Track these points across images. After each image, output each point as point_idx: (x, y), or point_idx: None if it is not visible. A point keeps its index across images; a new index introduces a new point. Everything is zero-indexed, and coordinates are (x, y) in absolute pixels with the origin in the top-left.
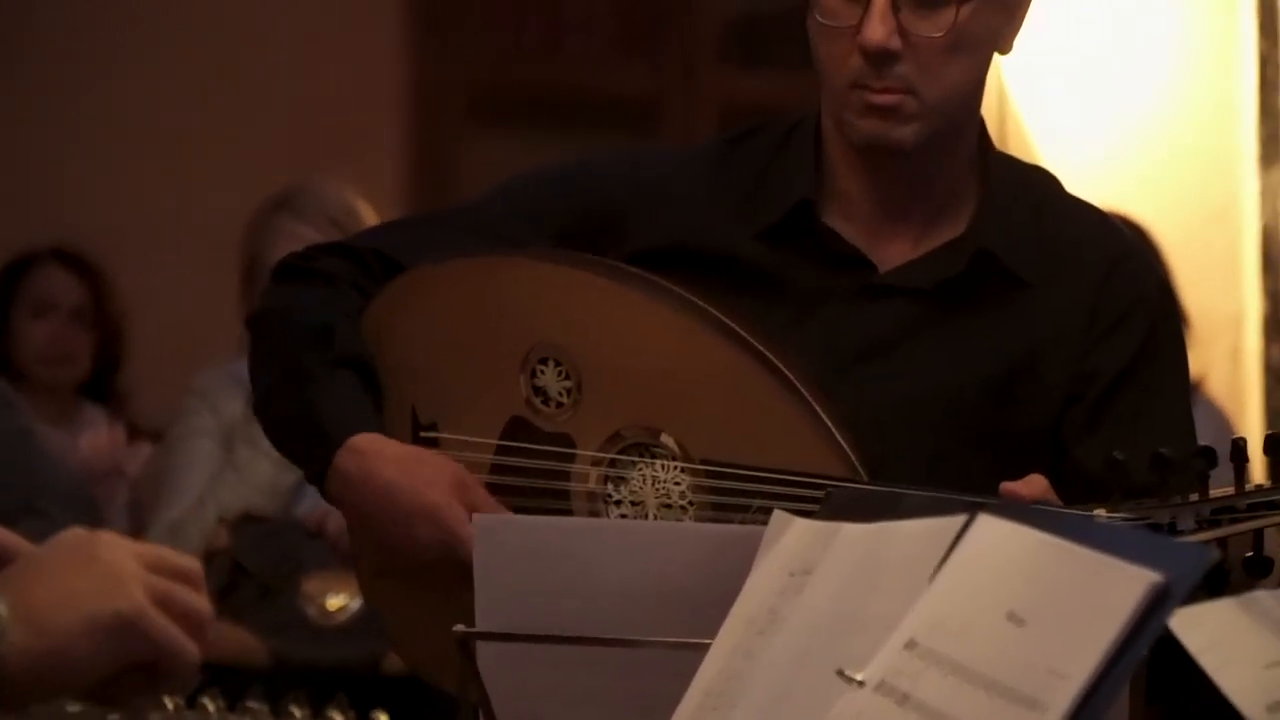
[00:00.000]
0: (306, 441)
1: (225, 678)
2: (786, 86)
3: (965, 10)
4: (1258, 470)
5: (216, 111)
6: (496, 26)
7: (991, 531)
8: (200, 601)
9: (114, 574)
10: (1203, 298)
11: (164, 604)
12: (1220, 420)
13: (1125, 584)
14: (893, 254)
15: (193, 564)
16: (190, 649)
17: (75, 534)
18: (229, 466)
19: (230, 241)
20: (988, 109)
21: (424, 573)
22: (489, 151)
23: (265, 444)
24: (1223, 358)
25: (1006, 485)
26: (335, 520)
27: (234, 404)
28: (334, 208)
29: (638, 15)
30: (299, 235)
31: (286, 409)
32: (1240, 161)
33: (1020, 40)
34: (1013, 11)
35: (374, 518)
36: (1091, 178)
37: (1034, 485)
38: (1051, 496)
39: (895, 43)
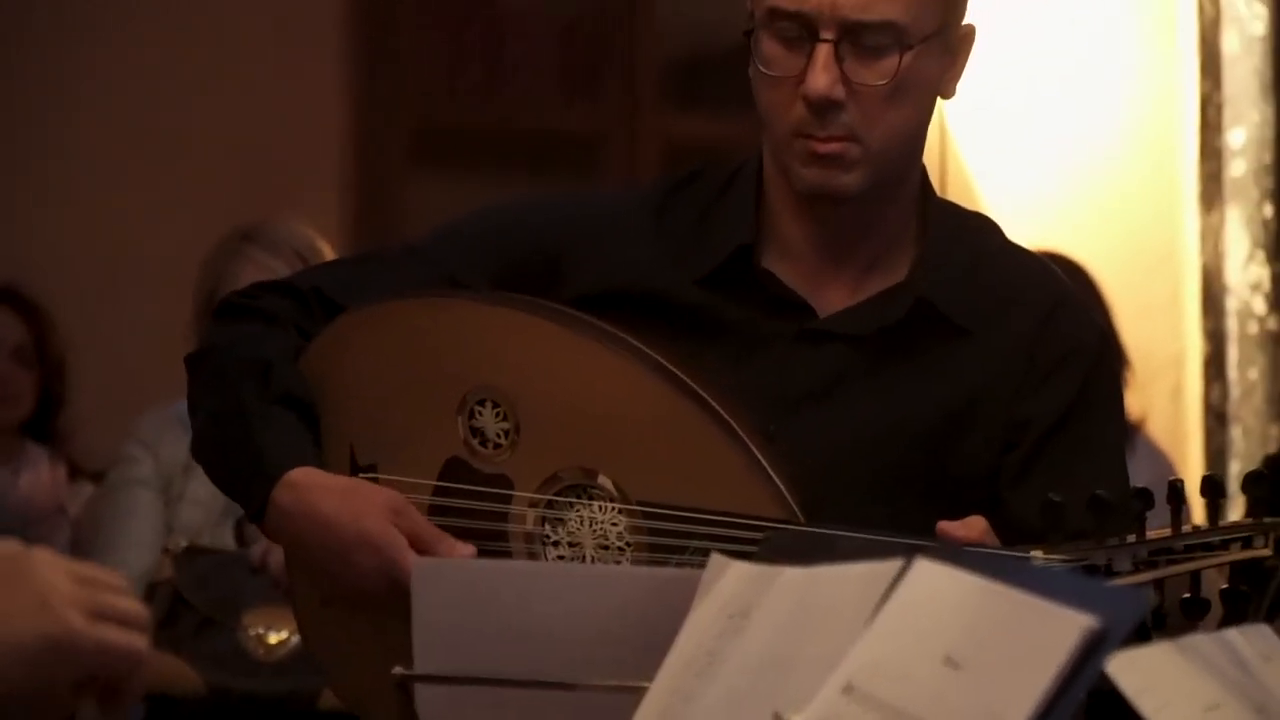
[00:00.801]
0: (244, 478)
1: (163, 709)
2: (728, 127)
3: (908, 58)
4: (1197, 512)
5: (160, 151)
6: (438, 67)
7: (929, 575)
8: (135, 606)
9: (43, 595)
10: (1144, 338)
11: (100, 615)
12: (1161, 461)
13: (1062, 628)
14: (832, 299)
15: (116, 575)
16: (135, 646)
17: (6, 551)
18: (180, 499)
19: (173, 280)
20: (929, 152)
21: (363, 609)
22: (432, 192)
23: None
24: (1164, 398)
25: (943, 525)
26: (278, 555)
27: (177, 447)
28: (298, 242)
29: (579, 56)
30: (268, 266)
31: (224, 445)
32: (1181, 202)
33: (961, 83)
34: (955, 56)
35: (314, 550)
36: (1033, 219)
37: (972, 527)
38: (990, 539)
39: (839, 92)
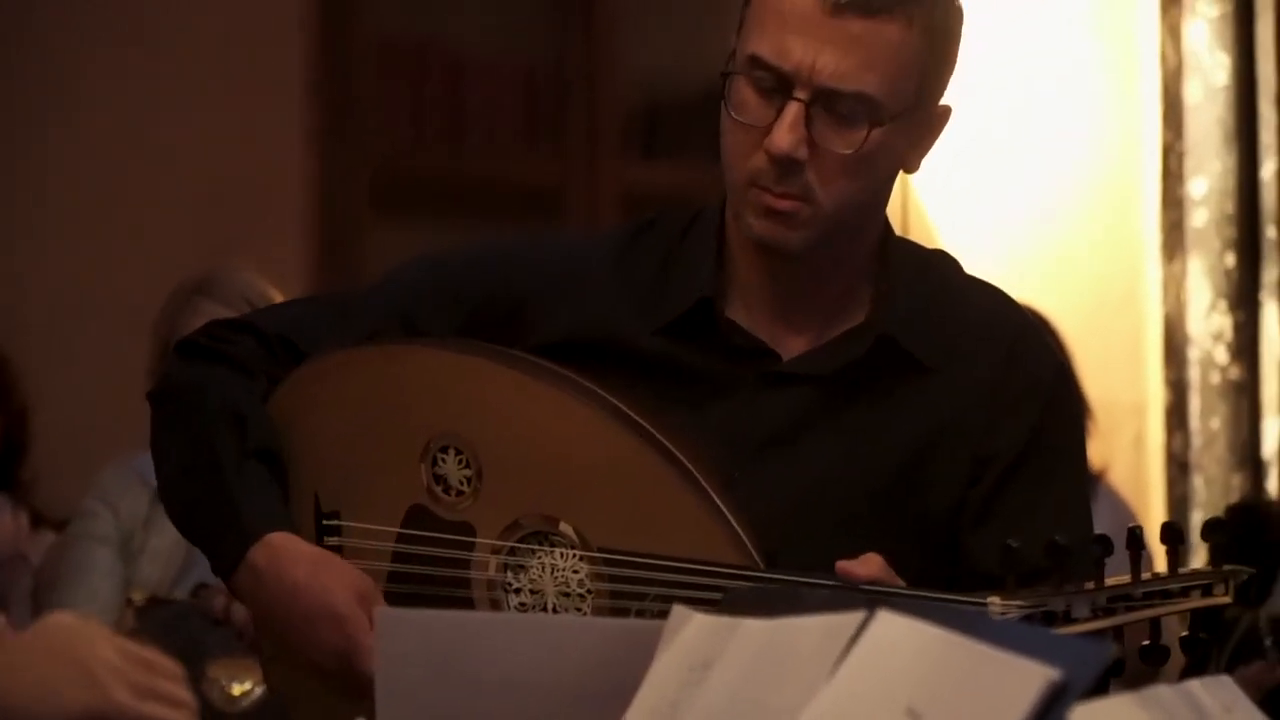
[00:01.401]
0: (220, 533)
1: None
2: (688, 175)
3: (877, 132)
4: (1158, 561)
5: (122, 200)
6: (399, 115)
7: (890, 627)
8: (184, 693)
9: (90, 668)
10: (1106, 387)
11: (147, 695)
12: (1123, 510)
13: (1023, 680)
14: (795, 343)
15: (173, 663)
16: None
17: (57, 622)
18: (140, 554)
19: (137, 329)
20: (892, 200)
21: (321, 682)
22: (393, 239)
23: (172, 531)
24: (1126, 448)
25: (842, 564)
26: (241, 607)
27: (138, 502)
28: (251, 292)
29: (540, 105)
30: (218, 318)
31: (197, 495)
32: (1143, 251)
33: None
34: (924, 136)
35: (279, 616)
36: (995, 268)
37: (870, 564)
38: (888, 574)
39: (801, 152)
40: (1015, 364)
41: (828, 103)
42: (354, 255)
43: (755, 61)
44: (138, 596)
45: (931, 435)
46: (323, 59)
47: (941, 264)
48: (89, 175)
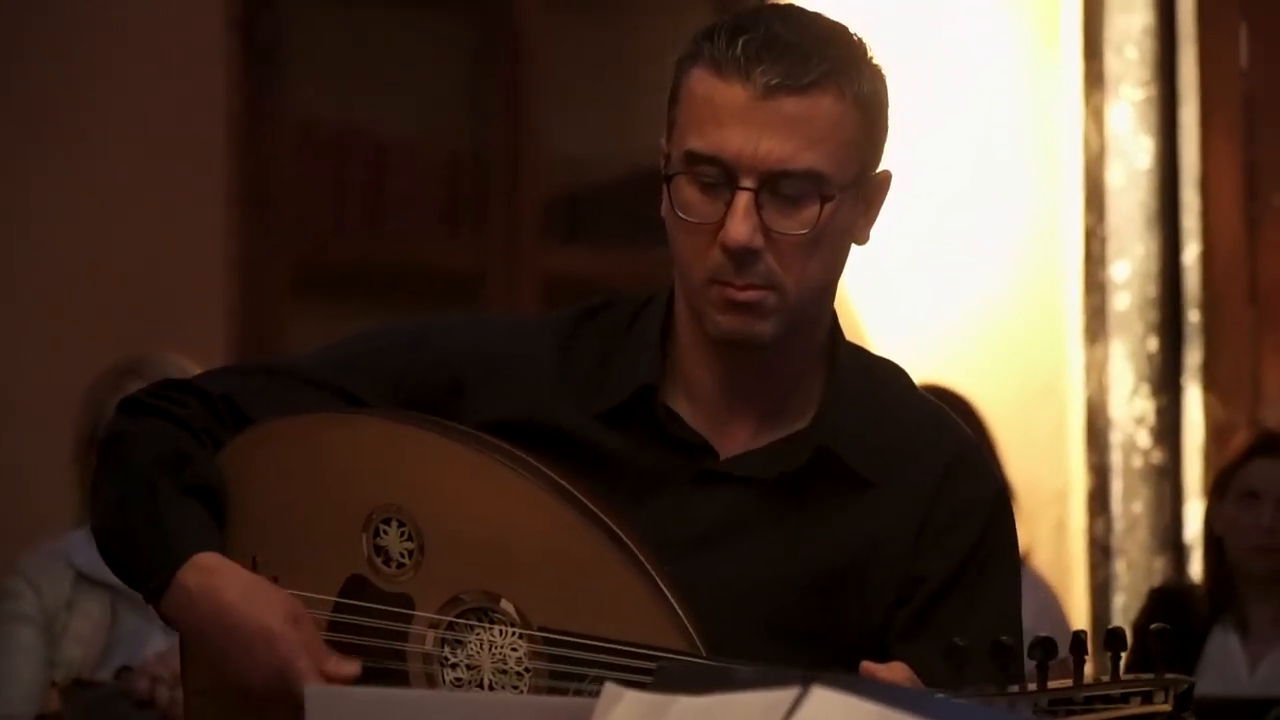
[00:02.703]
0: (148, 556)
1: None
2: (609, 262)
3: (828, 208)
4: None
5: (43, 285)
6: (320, 200)
7: (826, 703)
8: None
9: None
10: (1028, 471)
11: None
12: (1046, 594)
13: None
14: (734, 441)
15: None
16: None
17: None
18: (62, 635)
19: (58, 414)
20: None
21: (250, 706)
22: (315, 325)
23: (96, 613)
24: (1048, 531)
25: (867, 665)
26: (164, 690)
27: (60, 584)
28: (179, 375)
29: (461, 191)
30: None
31: (130, 524)
32: (1065, 335)
33: None
34: (871, 203)
35: (211, 636)
36: (917, 352)
37: (895, 671)
38: (915, 684)
39: (758, 240)
40: (953, 485)
41: (775, 187)
42: (275, 341)
43: (694, 158)
44: (61, 678)
45: (864, 549)
46: (244, 143)
47: (889, 376)
48: (10, 262)
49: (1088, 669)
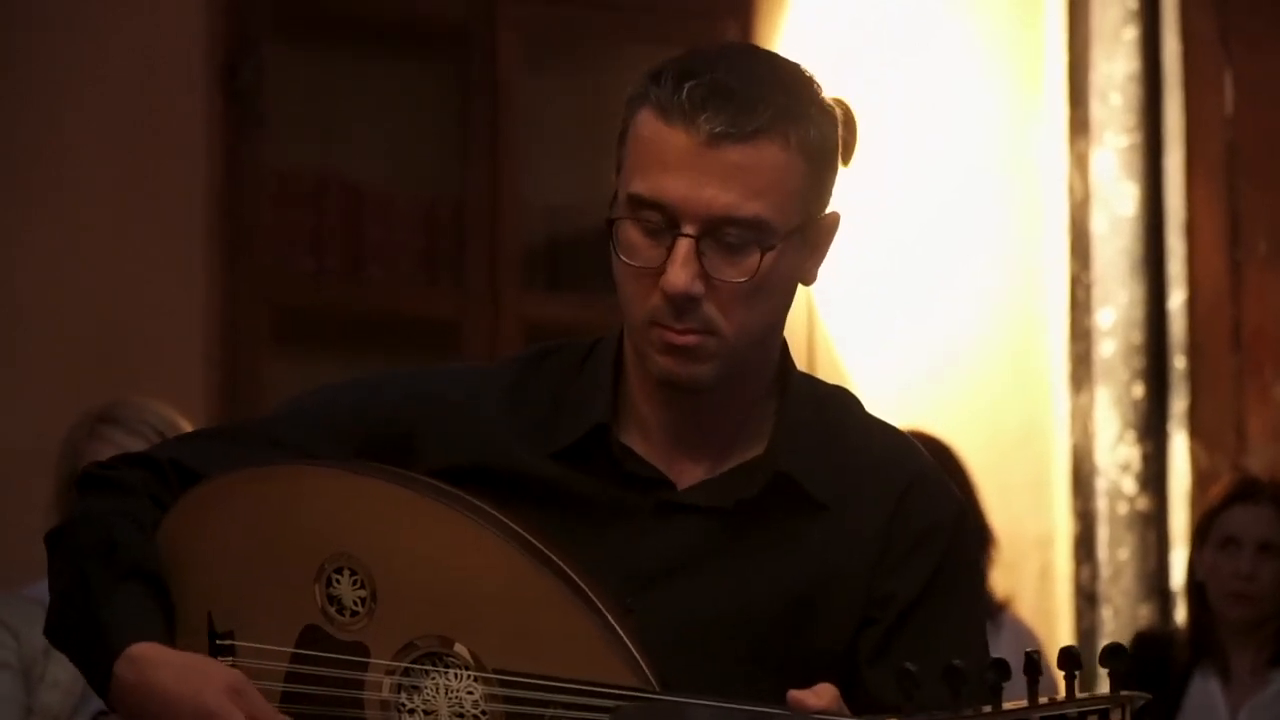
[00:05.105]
0: (88, 651)
1: None
2: (589, 310)
3: (769, 256)
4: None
5: (22, 331)
6: (299, 248)
7: None
8: None
9: None
10: (1012, 518)
11: None
12: (1029, 640)
13: None
14: (691, 473)
15: None
16: None
17: None
18: (40, 682)
19: (35, 461)
20: (797, 328)
21: None
22: (294, 372)
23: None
24: (1033, 578)
25: (794, 694)
26: None
27: (38, 630)
28: (157, 421)
29: (440, 240)
30: (125, 447)
31: (70, 623)
32: (1050, 382)
33: (829, 263)
34: (817, 248)
35: None
36: (901, 398)
37: (823, 695)
38: (841, 706)
39: (697, 288)
40: (912, 505)
41: (716, 234)
42: (255, 388)
43: (638, 201)
44: None
45: (825, 573)
46: (224, 191)
47: (842, 401)
48: None
49: None
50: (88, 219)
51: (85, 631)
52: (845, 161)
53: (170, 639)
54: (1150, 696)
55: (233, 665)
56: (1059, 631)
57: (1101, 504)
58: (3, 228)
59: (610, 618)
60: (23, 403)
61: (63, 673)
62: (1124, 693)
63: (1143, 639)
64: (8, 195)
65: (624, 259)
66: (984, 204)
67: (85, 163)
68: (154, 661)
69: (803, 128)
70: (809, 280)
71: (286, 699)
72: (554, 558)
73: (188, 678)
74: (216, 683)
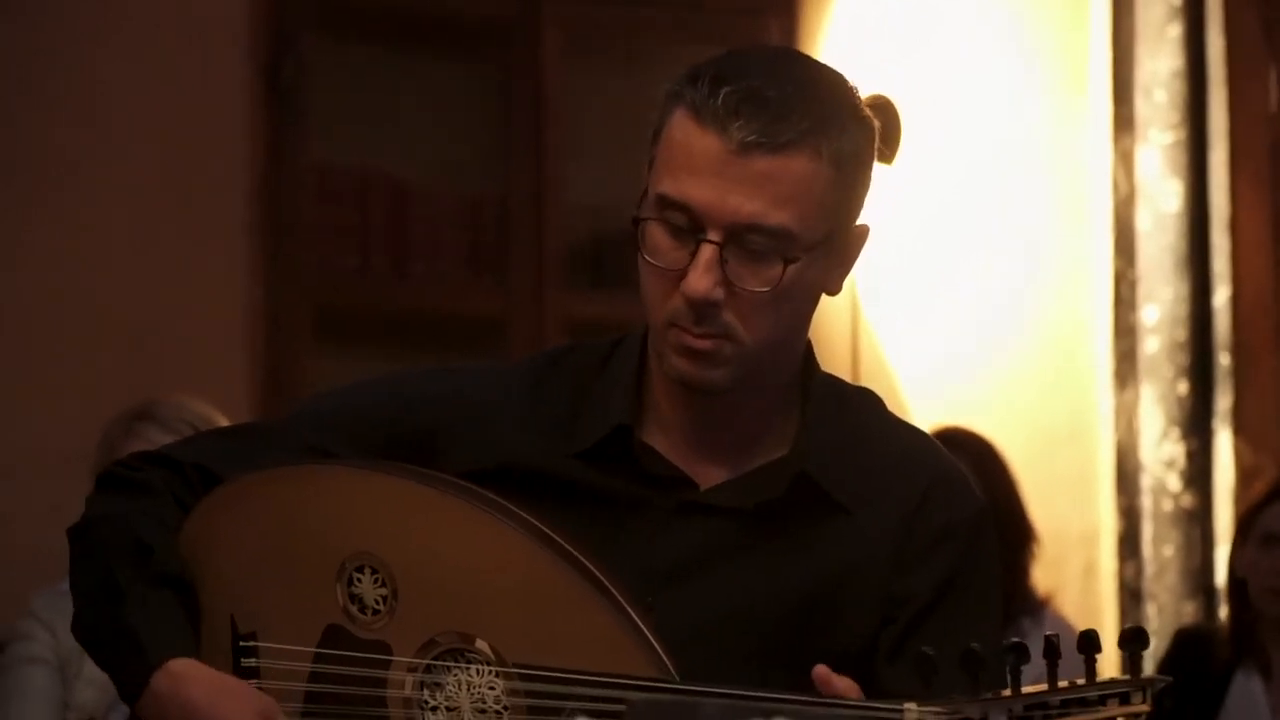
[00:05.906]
0: (123, 661)
1: None
2: (631, 307)
3: (792, 268)
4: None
5: (64, 329)
6: (344, 245)
7: None
8: None
9: None
10: (1056, 515)
11: None
12: (1072, 637)
13: None
14: (713, 472)
15: None
16: None
17: None
18: (76, 678)
19: (76, 458)
20: (841, 324)
21: None
22: (336, 369)
23: None
24: (1077, 575)
25: (821, 668)
26: None
27: None
28: (192, 416)
29: (484, 238)
30: (162, 444)
31: (102, 625)
32: (1095, 379)
33: (873, 257)
34: (842, 260)
35: None
36: (945, 395)
37: (847, 683)
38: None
39: (718, 294)
40: (932, 506)
41: (740, 242)
42: (297, 386)
43: (665, 202)
44: None
45: (842, 574)
46: (266, 188)
47: (863, 402)
48: (31, 306)
49: None
50: (131, 216)
51: (116, 637)
52: (889, 159)
53: (198, 650)
54: (1170, 680)
55: (256, 666)
56: (1104, 628)
57: (1146, 501)
58: (46, 226)
59: (632, 613)
60: (65, 401)
61: (98, 670)
62: (1144, 675)
63: (1183, 636)
64: (52, 194)
65: (648, 258)
66: (1028, 201)
67: (128, 160)
68: (189, 679)
69: (835, 140)
70: (833, 290)
71: (310, 698)
72: (575, 553)
73: (219, 701)
74: (245, 708)
